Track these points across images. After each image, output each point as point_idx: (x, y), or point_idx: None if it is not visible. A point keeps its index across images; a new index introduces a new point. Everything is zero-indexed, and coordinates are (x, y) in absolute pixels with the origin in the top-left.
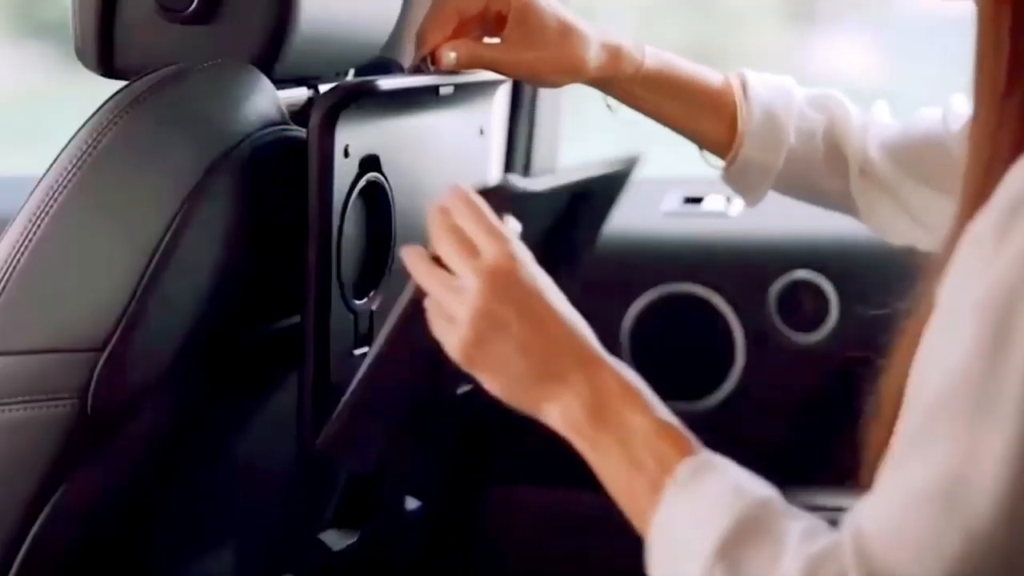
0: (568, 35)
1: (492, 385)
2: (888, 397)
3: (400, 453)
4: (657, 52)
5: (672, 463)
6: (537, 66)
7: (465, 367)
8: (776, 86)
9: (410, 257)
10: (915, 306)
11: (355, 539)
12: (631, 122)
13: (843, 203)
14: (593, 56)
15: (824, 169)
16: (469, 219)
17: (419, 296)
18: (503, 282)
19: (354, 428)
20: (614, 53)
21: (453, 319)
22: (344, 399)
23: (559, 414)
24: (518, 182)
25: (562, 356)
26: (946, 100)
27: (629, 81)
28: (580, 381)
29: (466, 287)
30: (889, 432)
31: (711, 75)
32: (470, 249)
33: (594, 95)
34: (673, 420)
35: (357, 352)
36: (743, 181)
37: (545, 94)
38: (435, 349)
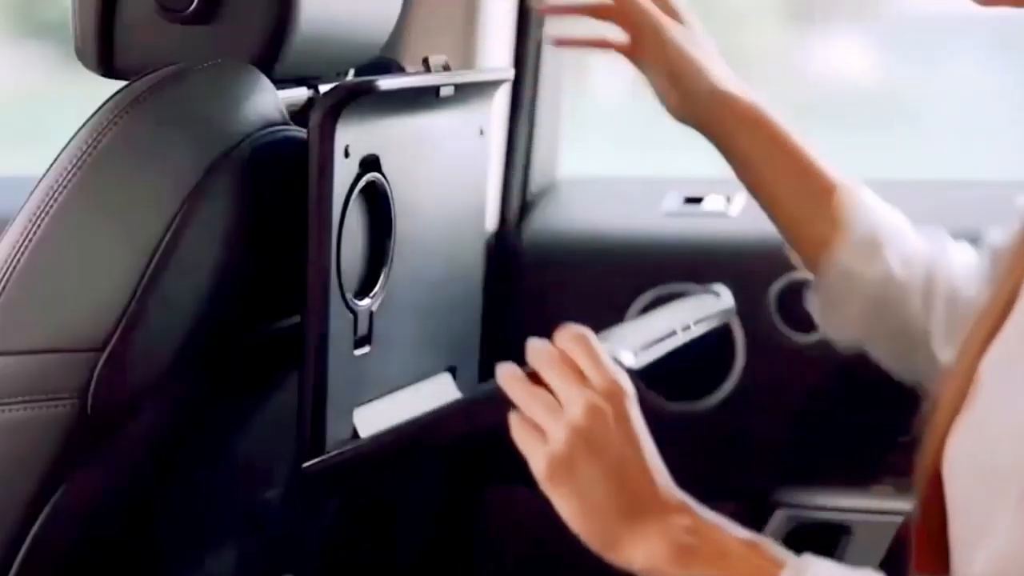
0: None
1: (569, 508)
2: (952, 394)
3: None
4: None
5: (773, 574)
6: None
7: (546, 484)
8: (884, 204)
9: (504, 374)
10: (984, 306)
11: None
12: (630, 123)
13: (926, 356)
14: (710, 76)
15: (919, 304)
16: (582, 352)
17: (497, 403)
18: (609, 410)
19: (352, 470)
20: (734, 84)
21: (546, 436)
22: (354, 446)
23: (643, 553)
24: (625, 359)
25: (649, 495)
26: (953, 106)
27: (738, 121)
28: (665, 520)
29: (569, 408)
30: (946, 429)
31: (824, 160)
32: (579, 376)
33: (594, 95)
34: (758, 537)
35: (358, 352)
36: (830, 293)
37: (545, 94)
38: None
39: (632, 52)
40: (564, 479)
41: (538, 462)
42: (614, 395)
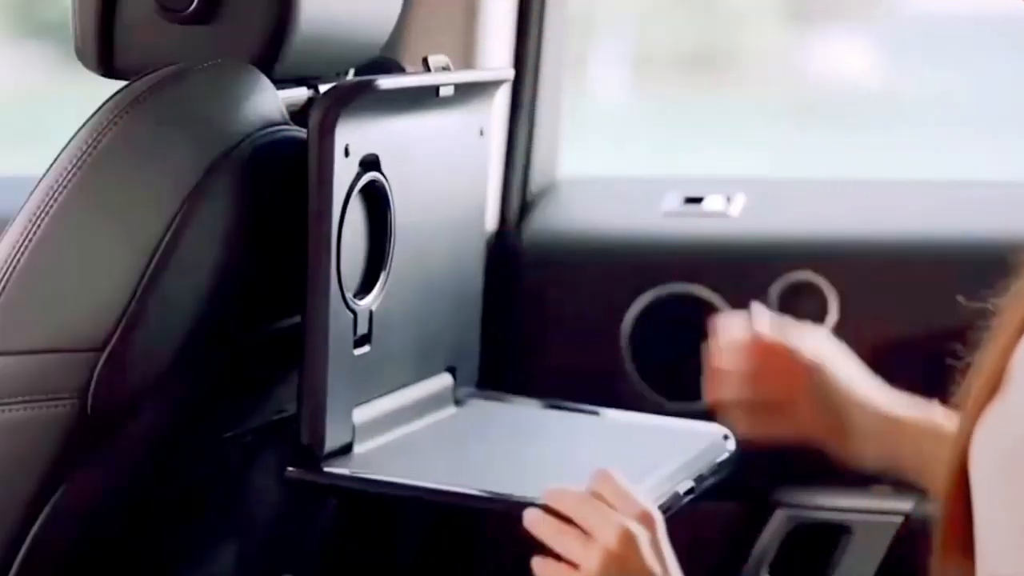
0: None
1: None
2: (981, 386)
3: None
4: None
5: None
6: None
7: None
8: None
9: (531, 518)
10: (1009, 303)
11: None
12: (629, 122)
13: None
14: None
15: None
16: (610, 487)
17: (513, 509)
18: (642, 534)
19: (339, 492)
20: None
21: (578, 566)
22: (349, 476)
23: None
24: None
25: None
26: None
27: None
28: None
29: (602, 534)
30: (974, 421)
31: None
32: (609, 507)
33: (594, 94)
34: None
35: (357, 352)
36: None
37: (545, 94)
38: None
39: (805, 429)
40: None
41: None
42: (646, 520)
